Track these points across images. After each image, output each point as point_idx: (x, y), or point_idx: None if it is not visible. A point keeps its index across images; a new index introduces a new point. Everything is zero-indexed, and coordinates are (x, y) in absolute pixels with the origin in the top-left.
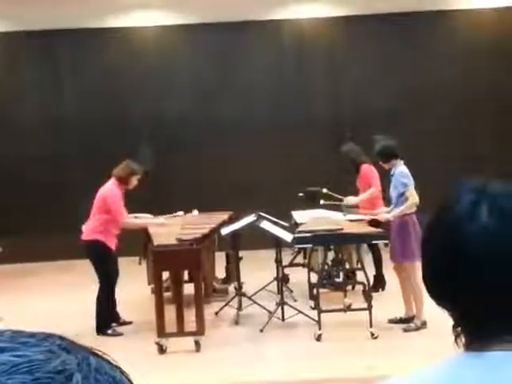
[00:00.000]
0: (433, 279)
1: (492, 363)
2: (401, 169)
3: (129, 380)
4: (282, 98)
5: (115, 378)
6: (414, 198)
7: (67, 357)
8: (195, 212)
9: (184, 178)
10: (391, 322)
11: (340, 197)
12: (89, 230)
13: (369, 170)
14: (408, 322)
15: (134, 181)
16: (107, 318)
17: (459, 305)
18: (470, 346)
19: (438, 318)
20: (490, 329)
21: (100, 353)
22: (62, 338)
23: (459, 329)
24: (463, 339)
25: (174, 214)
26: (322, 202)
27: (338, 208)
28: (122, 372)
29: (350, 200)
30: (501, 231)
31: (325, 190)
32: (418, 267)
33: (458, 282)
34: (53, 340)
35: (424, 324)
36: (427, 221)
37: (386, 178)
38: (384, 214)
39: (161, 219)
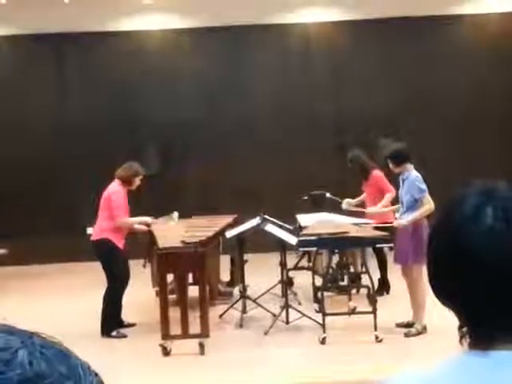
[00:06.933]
0: (438, 280)
1: (496, 362)
2: (415, 173)
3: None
4: (286, 103)
5: (62, 350)
6: (430, 204)
7: (10, 337)
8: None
9: (188, 180)
10: (399, 326)
11: (339, 199)
12: (97, 230)
13: (380, 176)
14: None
15: (137, 181)
16: (112, 319)
17: (464, 305)
18: (474, 346)
19: (442, 322)
20: (494, 329)
21: (44, 335)
22: (3, 324)
23: (464, 329)
24: (468, 339)
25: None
26: (328, 195)
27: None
28: (67, 349)
29: (349, 203)
30: (505, 233)
31: (328, 195)
32: (424, 271)
33: (462, 283)
34: None
35: (424, 328)
36: (433, 222)
37: (392, 181)
38: (401, 220)
39: (148, 219)
